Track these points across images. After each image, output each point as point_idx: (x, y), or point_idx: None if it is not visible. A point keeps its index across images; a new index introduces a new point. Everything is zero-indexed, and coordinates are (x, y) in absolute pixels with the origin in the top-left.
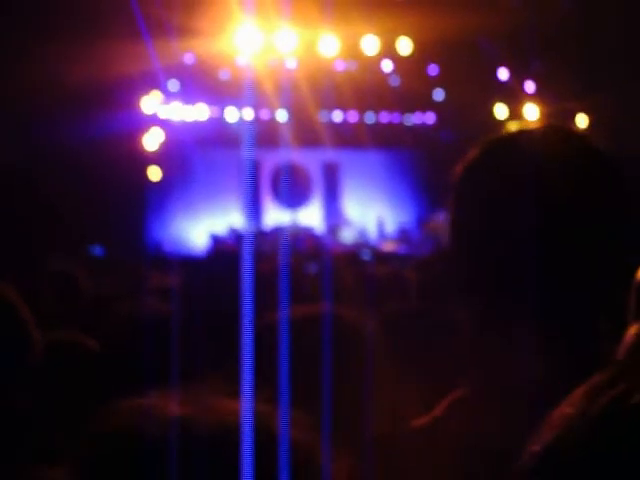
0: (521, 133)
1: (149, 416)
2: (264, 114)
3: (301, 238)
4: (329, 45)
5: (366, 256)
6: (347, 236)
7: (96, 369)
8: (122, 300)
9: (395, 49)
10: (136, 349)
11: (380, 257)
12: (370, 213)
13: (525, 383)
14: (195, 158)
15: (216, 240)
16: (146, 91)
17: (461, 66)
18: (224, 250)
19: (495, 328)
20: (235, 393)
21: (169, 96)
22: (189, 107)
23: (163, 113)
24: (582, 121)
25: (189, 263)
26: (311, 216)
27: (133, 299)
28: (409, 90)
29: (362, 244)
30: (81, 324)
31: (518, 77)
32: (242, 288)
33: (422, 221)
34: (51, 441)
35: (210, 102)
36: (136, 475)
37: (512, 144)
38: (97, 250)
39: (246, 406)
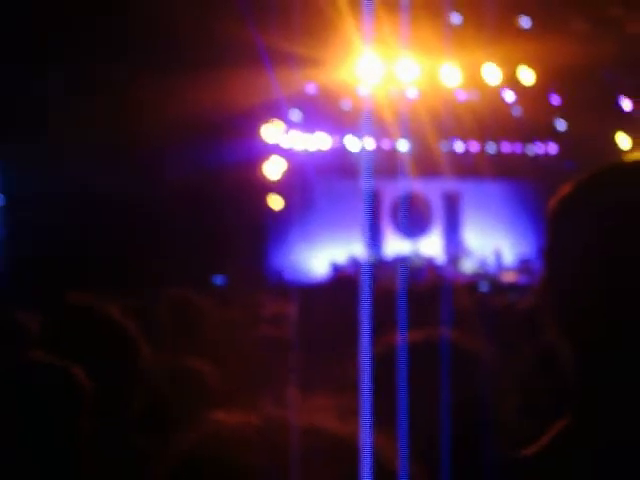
0: (616, 167)
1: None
2: (385, 144)
3: (422, 268)
4: (450, 75)
5: (484, 287)
6: (467, 266)
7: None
8: (248, 326)
9: (517, 79)
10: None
11: (500, 288)
12: (490, 243)
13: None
14: (316, 187)
15: (336, 269)
16: (268, 120)
17: (583, 95)
18: (343, 277)
19: (602, 361)
20: (351, 415)
21: (291, 125)
22: (310, 136)
23: (284, 142)
24: None
25: (309, 290)
26: (431, 246)
27: (253, 327)
28: (531, 120)
29: (482, 274)
30: (207, 352)
31: None
32: (360, 314)
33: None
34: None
35: (331, 131)
36: None
37: (610, 178)
38: (218, 279)
39: (364, 432)
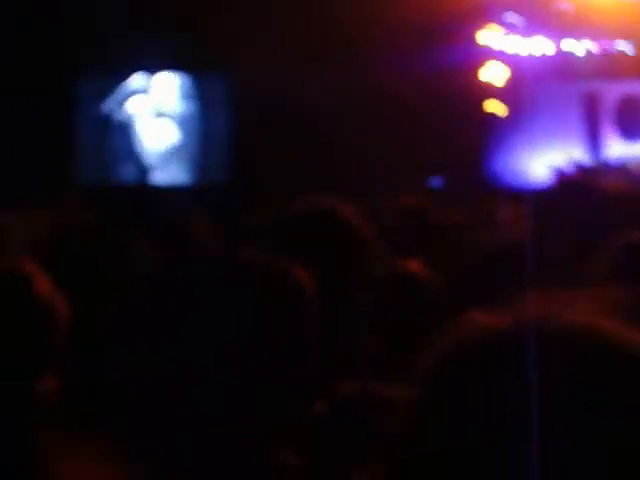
0: None
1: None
2: (605, 45)
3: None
4: None
5: None
6: None
7: (441, 301)
8: (470, 231)
9: None
10: (490, 279)
11: None
12: None
13: None
14: (534, 91)
15: (557, 172)
16: (485, 24)
17: None
18: (570, 181)
19: None
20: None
21: (508, 29)
22: (528, 40)
23: (502, 46)
24: None
25: (532, 195)
26: None
27: (482, 230)
28: None
29: None
30: (430, 255)
31: None
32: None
33: None
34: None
35: (550, 35)
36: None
37: None
38: (436, 182)
39: None
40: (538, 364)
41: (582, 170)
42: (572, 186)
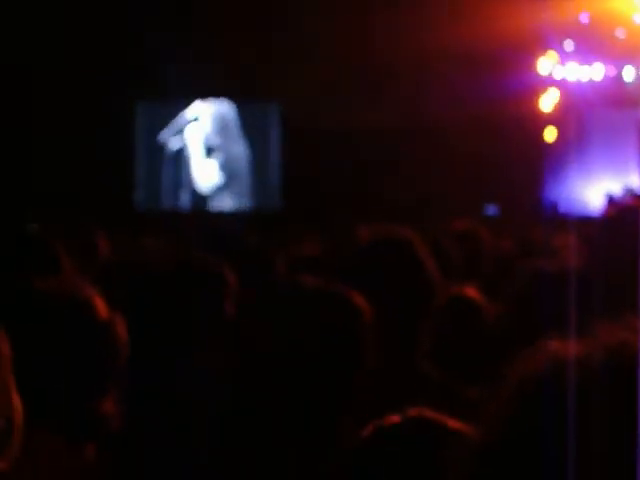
0: None
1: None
2: None
3: None
4: None
5: None
6: None
7: (497, 327)
8: (524, 259)
9: None
10: (541, 307)
11: None
12: None
13: None
14: (591, 118)
15: (611, 200)
16: (542, 52)
17: None
18: (620, 207)
19: None
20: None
21: (565, 56)
22: (585, 67)
23: (559, 74)
24: None
25: (586, 222)
26: None
27: (535, 258)
28: None
29: None
30: (484, 283)
31: None
32: None
33: None
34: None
35: (606, 61)
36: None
37: None
38: (491, 209)
39: None
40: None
41: (636, 198)
42: (624, 213)
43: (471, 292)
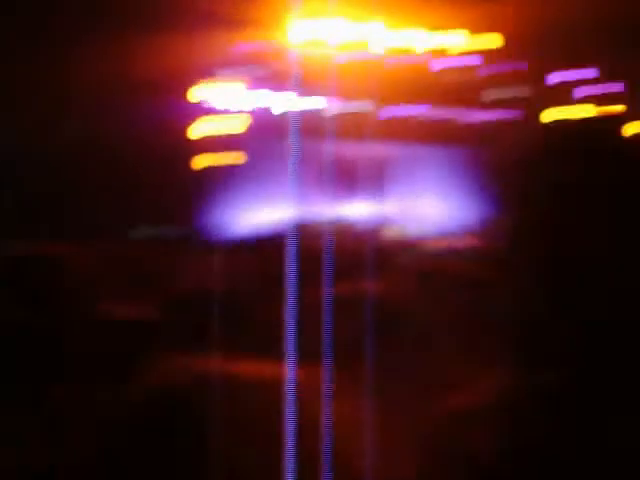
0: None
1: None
2: (313, 105)
3: (347, 232)
4: (381, 38)
5: (409, 254)
6: (396, 232)
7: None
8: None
9: (450, 45)
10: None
11: (425, 253)
12: (421, 209)
13: None
14: (246, 147)
15: (261, 229)
16: (200, 79)
17: (537, 63)
18: (267, 237)
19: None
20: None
21: (219, 85)
22: (239, 96)
23: (213, 102)
24: None
25: (235, 248)
26: (358, 210)
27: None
28: (461, 87)
29: (407, 240)
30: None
31: (605, 77)
32: (288, 274)
33: (472, 219)
34: None
35: (263, 92)
36: None
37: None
38: (141, 233)
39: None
40: None
41: (282, 227)
42: (271, 238)
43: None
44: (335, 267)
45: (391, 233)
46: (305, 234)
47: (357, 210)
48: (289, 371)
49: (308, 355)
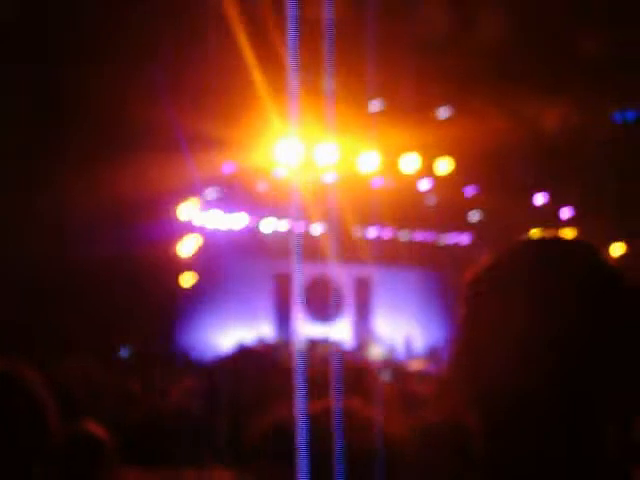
0: (530, 242)
1: None
2: (299, 226)
3: (330, 352)
4: (369, 161)
5: (387, 375)
6: (376, 352)
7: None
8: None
9: (433, 168)
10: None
11: (404, 375)
12: (400, 330)
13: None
14: (228, 267)
15: (242, 347)
16: (184, 198)
17: (498, 189)
18: (248, 351)
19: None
20: None
21: (207, 204)
22: (226, 215)
23: (200, 220)
24: (617, 250)
25: (214, 365)
26: (341, 331)
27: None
28: (445, 210)
29: (389, 362)
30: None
31: (555, 202)
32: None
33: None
34: None
35: (246, 212)
36: None
37: (525, 252)
38: (124, 352)
39: None
40: None
41: (263, 344)
42: (248, 354)
43: (92, 426)
44: (311, 385)
45: (371, 353)
46: (285, 352)
47: (338, 330)
48: None
49: None
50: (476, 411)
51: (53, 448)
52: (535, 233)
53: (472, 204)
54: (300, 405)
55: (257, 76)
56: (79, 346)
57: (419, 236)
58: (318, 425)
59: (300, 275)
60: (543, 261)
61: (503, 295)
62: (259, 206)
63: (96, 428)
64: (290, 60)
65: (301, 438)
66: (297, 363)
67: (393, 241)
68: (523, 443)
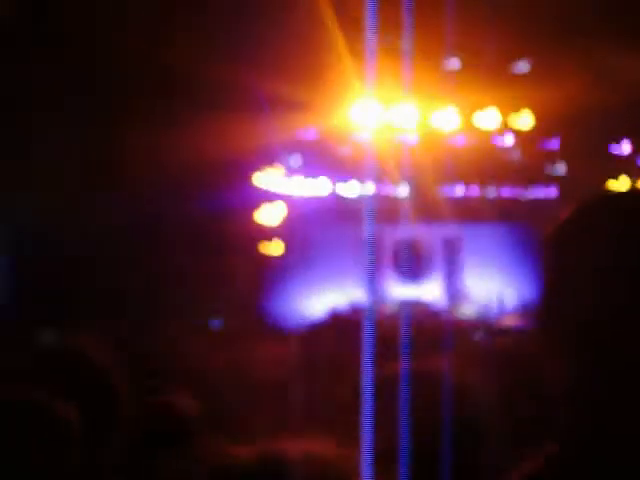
0: (619, 195)
1: None
2: (384, 189)
3: (421, 312)
4: (449, 119)
5: (482, 332)
6: (467, 311)
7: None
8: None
9: (515, 123)
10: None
11: (499, 331)
12: (491, 288)
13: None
14: (315, 232)
15: (335, 312)
16: (266, 165)
17: (581, 140)
18: (341, 320)
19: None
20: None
21: (290, 171)
22: (310, 182)
23: (284, 188)
24: None
25: (308, 332)
26: (432, 291)
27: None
28: (529, 164)
29: (482, 319)
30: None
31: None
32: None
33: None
34: None
35: (330, 177)
36: None
37: (610, 205)
38: (215, 323)
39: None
40: None
41: (355, 309)
42: (341, 322)
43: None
44: (411, 346)
45: (463, 312)
46: (379, 315)
47: (429, 290)
48: (365, 455)
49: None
50: (563, 354)
51: (127, 420)
52: (614, 184)
53: (556, 157)
54: (404, 364)
55: (335, 38)
56: (171, 315)
57: (505, 192)
58: (422, 384)
59: (386, 237)
60: (621, 213)
61: (588, 241)
62: (342, 170)
63: (181, 398)
64: (368, 20)
65: (404, 396)
66: (398, 324)
67: (479, 198)
68: (617, 386)
